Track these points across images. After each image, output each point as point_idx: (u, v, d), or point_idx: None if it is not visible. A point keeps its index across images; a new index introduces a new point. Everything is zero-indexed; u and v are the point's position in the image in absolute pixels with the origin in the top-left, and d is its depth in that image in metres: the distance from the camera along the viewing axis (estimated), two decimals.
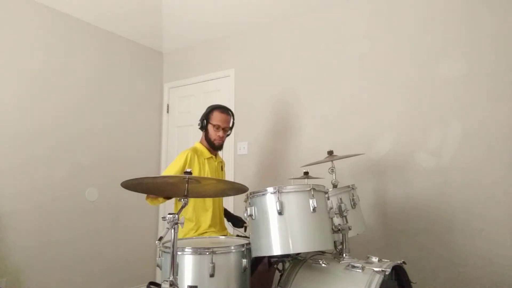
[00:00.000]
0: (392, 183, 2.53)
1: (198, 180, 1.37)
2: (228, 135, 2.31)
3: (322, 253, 1.76)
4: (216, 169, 2.28)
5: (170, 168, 2.09)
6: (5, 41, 2.64)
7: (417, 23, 2.55)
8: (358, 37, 2.77)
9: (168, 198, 1.95)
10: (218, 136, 2.21)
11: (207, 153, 2.23)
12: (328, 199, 1.60)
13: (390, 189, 2.53)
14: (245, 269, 1.49)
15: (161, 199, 1.96)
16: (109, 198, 3.19)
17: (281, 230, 1.45)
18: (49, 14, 2.91)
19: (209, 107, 2.27)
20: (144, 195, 1.93)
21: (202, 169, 2.16)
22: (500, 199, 2.17)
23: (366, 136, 2.65)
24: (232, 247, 1.49)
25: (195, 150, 2.19)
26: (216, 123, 2.20)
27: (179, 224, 1.28)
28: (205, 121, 2.24)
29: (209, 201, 2.16)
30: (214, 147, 2.25)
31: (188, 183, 1.37)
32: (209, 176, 2.16)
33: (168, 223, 1.27)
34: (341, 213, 1.71)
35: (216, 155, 2.32)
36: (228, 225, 2.35)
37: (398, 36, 2.61)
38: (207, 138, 2.25)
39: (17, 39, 2.71)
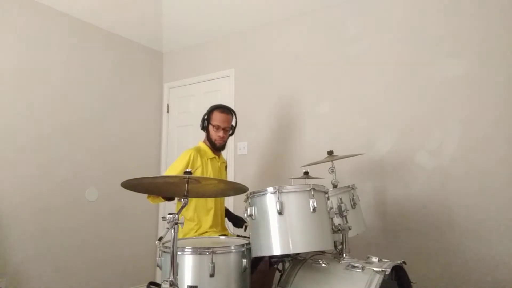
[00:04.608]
0: (392, 183, 2.53)
1: (198, 180, 1.37)
2: (231, 134, 2.31)
3: (322, 253, 1.76)
4: (219, 169, 2.27)
5: (174, 167, 2.08)
6: (5, 42, 2.64)
7: (418, 23, 2.55)
8: (358, 37, 2.77)
9: (169, 199, 1.95)
10: (219, 136, 2.20)
11: (210, 153, 2.23)
12: (328, 199, 1.60)
13: (390, 189, 2.53)
14: (245, 269, 1.49)
15: (161, 198, 1.96)
16: (109, 198, 3.19)
17: (281, 230, 1.45)
18: (49, 13, 2.91)
19: (209, 108, 2.26)
20: (145, 195, 1.93)
21: (205, 169, 2.15)
22: (499, 199, 2.17)
23: (366, 136, 2.65)
24: (232, 247, 1.49)
25: (198, 150, 2.18)
26: (216, 123, 2.19)
27: (179, 224, 1.28)
28: (205, 122, 2.23)
29: (211, 202, 2.15)
30: (216, 147, 2.24)
31: (188, 183, 1.37)
32: (212, 176, 2.16)
33: (168, 223, 1.27)
34: (341, 213, 1.71)
35: (219, 155, 2.31)
36: (228, 225, 2.35)
37: (398, 36, 2.61)
38: (208, 139, 2.24)
39: (19, 41, 2.71)
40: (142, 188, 1.51)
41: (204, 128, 2.25)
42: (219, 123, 2.19)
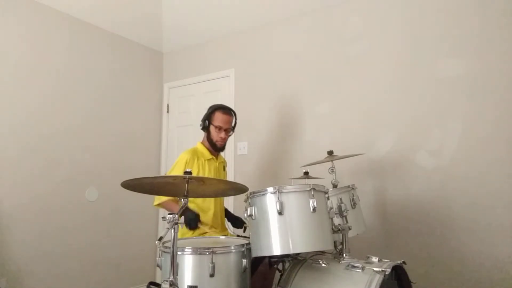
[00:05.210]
0: (392, 183, 2.53)
1: (198, 180, 1.37)
2: (230, 134, 2.30)
3: (322, 253, 1.76)
4: (217, 169, 2.27)
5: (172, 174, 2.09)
6: (6, 42, 2.64)
7: (417, 23, 2.55)
8: (358, 37, 2.77)
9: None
10: (220, 137, 2.18)
11: (207, 154, 2.21)
12: (328, 199, 1.60)
13: (390, 189, 2.53)
14: (245, 269, 1.49)
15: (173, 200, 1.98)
16: (109, 198, 3.19)
17: (281, 230, 1.45)
18: (49, 13, 2.91)
19: (210, 107, 2.24)
20: (146, 199, 1.94)
21: (202, 170, 2.14)
22: (499, 199, 2.17)
23: (366, 136, 2.65)
24: (232, 247, 1.49)
25: (195, 152, 2.17)
26: (218, 124, 2.17)
27: (179, 224, 1.28)
28: (206, 121, 2.20)
29: (210, 202, 2.15)
30: (216, 148, 2.22)
31: (188, 183, 1.37)
32: (210, 177, 2.16)
33: (168, 223, 1.27)
34: (341, 213, 1.71)
35: (217, 155, 2.30)
36: (228, 225, 2.35)
37: (398, 36, 2.61)
38: (209, 139, 2.22)
39: (19, 42, 2.71)
40: (142, 188, 1.51)
41: (205, 128, 2.22)
42: (221, 124, 2.17)
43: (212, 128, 2.19)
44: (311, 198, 1.48)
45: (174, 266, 1.26)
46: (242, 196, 1.62)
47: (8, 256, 2.52)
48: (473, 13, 2.36)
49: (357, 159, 2.57)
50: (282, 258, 1.69)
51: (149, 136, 3.70)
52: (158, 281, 2.41)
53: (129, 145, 3.46)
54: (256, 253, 1.51)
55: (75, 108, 3.03)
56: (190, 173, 1.33)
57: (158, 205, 2.07)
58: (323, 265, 1.55)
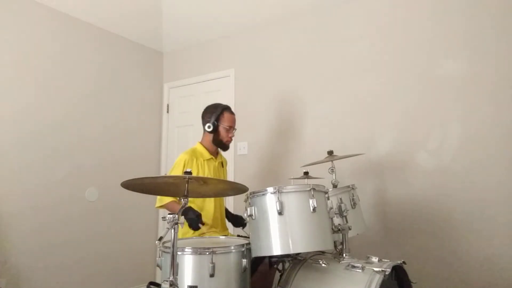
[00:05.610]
0: (392, 183, 2.53)
1: (198, 180, 1.37)
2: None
3: (322, 253, 1.76)
4: (216, 169, 2.27)
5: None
6: (6, 42, 2.64)
7: (418, 23, 2.55)
8: (359, 37, 2.77)
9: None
10: (230, 137, 2.23)
11: (207, 154, 2.22)
12: (328, 199, 1.60)
13: (390, 189, 2.53)
14: (245, 269, 1.49)
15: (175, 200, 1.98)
16: (109, 198, 3.19)
17: (281, 230, 1.45)
18: (49, 14, 2.91)
19: (217, 108, 2.22)
20: (147, 199, 1.94)
21: (201, 170, 2.15)
22: (499, 199, 2.17)
23: (366, 136, 2.65)
24: (232, 247, 1.49)
25: (193, 152, 2.17)
26: (228, 124, 2.20)
27: (179, 224, 1.29)
28: (215, 122, 2.20)
29: (210, 202, 2.15)
30: (225, 147, 2.26)
31: (188, 183, 1.37)
32: (210, 177, 2.16)
33: (168, 223, 1.27)
34: (341, 213, 1.71)
35: (216, 155, 2.31)
36: (229, 225, 2.34)
37: (399, 36, 2.61)
38: (216, 140, 2.21)
39: (18, 40, 2.71)
40: (142, 188, 1.51)
41: (214, 130, 2.21)
42: (231, 124, 2.21)
43: (222, 129, 2.21)
44: (311, 198, 1.48)
45: (174, 266, 1.27)
46: (242, 196, 1.62)
47: (8, 256, 2.52)
48: (474, 13, 2.36)
49: (357, 159, 2.57)
50: (282, 258, 1.69)
51: (149, 136, 3.70)
52: (158, 281, 2.41)
53: (129, 145, 3.46)
54: (256, 253, 1.51)
55: (74, 109, 3.03)
56: (190, 173, 1.33)
57: (161, 206, 2.08)
58: (323, 265, 1.55)
